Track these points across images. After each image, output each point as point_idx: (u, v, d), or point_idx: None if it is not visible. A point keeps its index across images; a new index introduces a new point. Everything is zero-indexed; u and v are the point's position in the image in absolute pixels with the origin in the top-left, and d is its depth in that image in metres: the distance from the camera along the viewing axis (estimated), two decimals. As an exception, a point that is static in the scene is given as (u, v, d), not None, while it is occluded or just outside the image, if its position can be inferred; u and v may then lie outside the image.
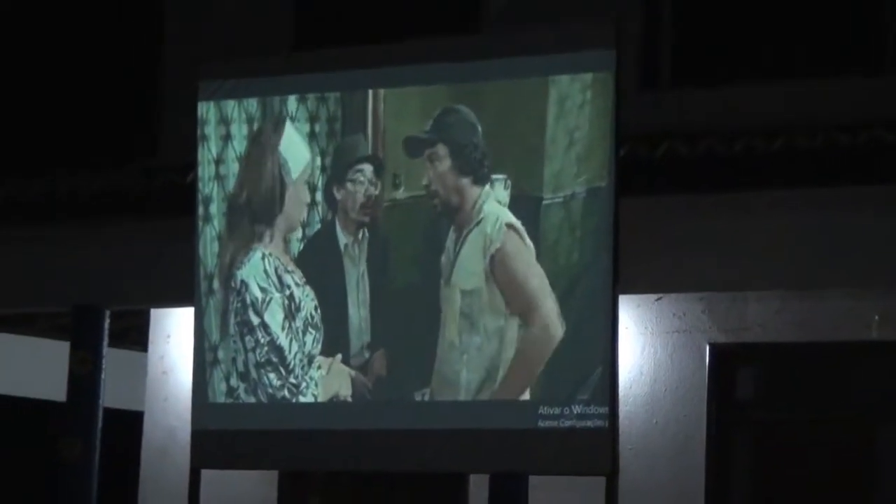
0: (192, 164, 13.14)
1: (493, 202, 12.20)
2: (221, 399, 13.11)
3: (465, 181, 12.30)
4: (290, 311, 12.84)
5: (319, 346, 12.78)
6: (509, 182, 12.18)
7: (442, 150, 12.35)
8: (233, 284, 13.06)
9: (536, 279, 12.03)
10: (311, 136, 12.86)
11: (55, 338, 15.05)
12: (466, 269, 12.27)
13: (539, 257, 12.04)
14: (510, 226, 12.14)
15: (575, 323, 11.84)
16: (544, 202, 12.07)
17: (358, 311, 12.61)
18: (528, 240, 12.08)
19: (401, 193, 12.54)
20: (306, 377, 12.79)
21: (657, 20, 13.81)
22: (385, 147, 12.62)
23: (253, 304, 12.98)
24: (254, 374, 12.99)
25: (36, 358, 16.40)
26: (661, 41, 13.82)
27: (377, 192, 12.59)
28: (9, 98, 16.09)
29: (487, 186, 12.22)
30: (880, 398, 13.79)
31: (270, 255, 12.89)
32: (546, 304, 11.99)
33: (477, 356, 12.20)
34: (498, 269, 12.16)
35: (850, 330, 13.44)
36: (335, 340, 12.75)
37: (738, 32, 13.90)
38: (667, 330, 13.99)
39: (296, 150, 12.87)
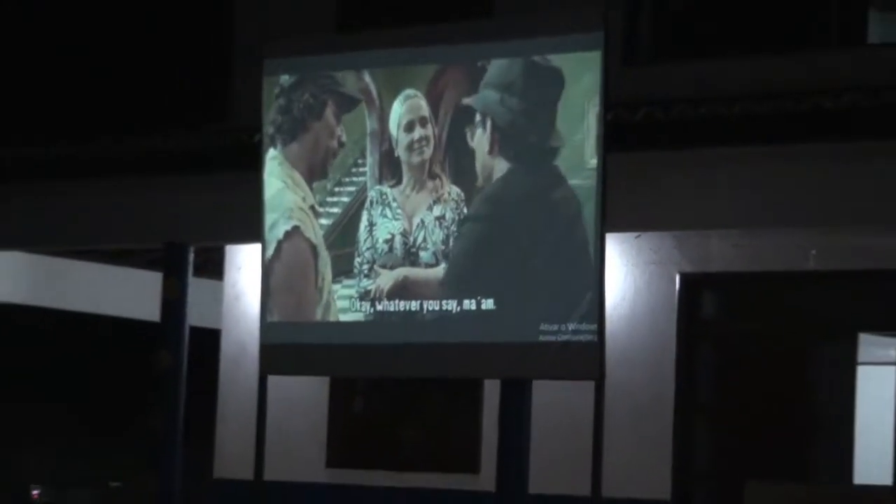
0: (258, 127, 12.75)
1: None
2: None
3: None
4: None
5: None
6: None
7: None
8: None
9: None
10: (352, 103, 12.42)
11: (150, 269, 14.86)
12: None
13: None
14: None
15: (572, 256, 11.51)
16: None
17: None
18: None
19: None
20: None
21: (638, 8, 13.47)
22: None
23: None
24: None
25: (135, 285, 16.30)
26: (641, 26, 13.48)
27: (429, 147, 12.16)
28: (109, 71, 15.81)
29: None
30: (814, 316, 13.75)
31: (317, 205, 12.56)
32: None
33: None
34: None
35: (792, 261, 13.26)
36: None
37: (704, 19, 13.64)
38: (644, 262, 13.75)
39: (347, 114, 12.43)
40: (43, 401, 20.44)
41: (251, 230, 12.77)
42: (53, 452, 20.47)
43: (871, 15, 13.26)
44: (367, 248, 12.25)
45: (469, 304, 11.88)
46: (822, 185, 11.73)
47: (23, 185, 14.37)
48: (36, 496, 17.36)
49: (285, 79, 12.56)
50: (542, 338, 11.58)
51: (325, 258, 12.43)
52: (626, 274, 13.71)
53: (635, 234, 13.19)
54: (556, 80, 11.55)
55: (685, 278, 13.72)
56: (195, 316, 14.13)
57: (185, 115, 14.88)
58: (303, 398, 14.75)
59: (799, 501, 11.42)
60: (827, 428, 13.55)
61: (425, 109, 12.05)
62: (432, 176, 11.99)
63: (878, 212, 11.73)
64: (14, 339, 18.00)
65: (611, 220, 11.41)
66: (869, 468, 13.25)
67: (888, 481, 12.78)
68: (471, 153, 11.86)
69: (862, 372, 13.55)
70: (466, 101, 11.87)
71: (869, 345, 13.68)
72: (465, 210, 11.88)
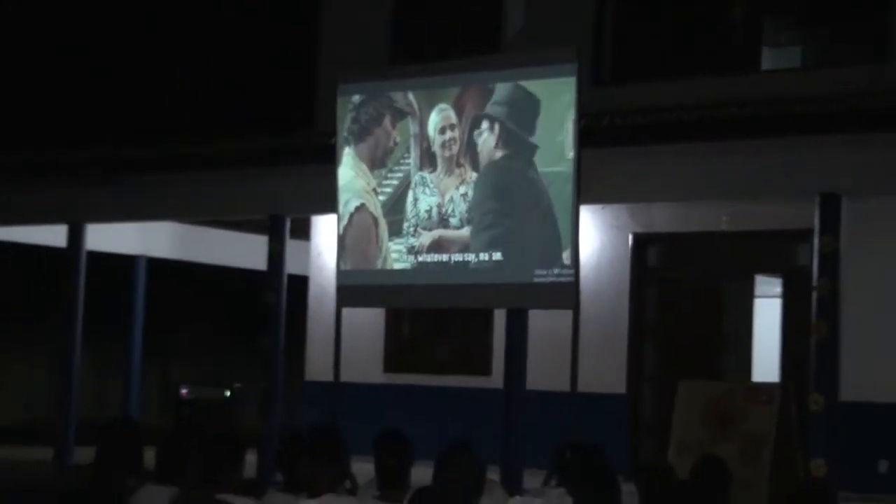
0: (334, 132, 12.66)
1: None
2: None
3: None
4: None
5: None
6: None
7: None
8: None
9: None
10: (402, 115, 12.27)
11: (260, 234, 14.66)
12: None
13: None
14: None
15: (556, 222, 11.44)
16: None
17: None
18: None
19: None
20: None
21: (601, 45, 13.47)
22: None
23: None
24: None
25: (250, 245, 16.00)
26: (604, 58, 13.47)
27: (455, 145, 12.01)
28: (232, 92, 15.78)
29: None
30: (725, 263, 13.76)
31: (377, 187, 12.42)
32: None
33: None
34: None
35: (710, 224, 13.21)
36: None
37: (649, 53, 13.65)
38: (608, 226, 13.77)
39: (399, 122, 12.29)
40: (189, 326, 20.55)
41: (330, 205, 12.68)
42: (196, 363, 20.60)
43: (763, 50, 13.36)
44: (413, 216, 12.18)
45: (484, 256, 11.82)
46: (731, 170, 11.63)
47: (174, 175, 14.26)
48: (184, 394, 17.39)
49: (356, 98, 12.48)
50: (535, 279, 11.52)
51: (382, 224, 12.35)
52: (595, 234, 13.70)
53: (601, 205, 13.15)
54: (535, 101, 11.49)
55: (636, 237, 13.74)
56: (291, 267, 13.97)
57: (284, 123, 14.88)
58: (366, 324, 14.76)
59: (715, 394, 11.38)
60: (734, 342, 13.60)
61: (454, 118, 11.97)
62: (458, 165, 11.95)
63: (769, 189, 11.70)
64: (168, 283, 18.02)
65: (584, 195, 11.36)
66: (762, 370, 13.37)
67: (775, 379, 12.86)
68: (483, 148, 11.80)
69: (757, 303, 13.66)
70: (486, 107, 11.78)
71: (762, 283, 13.75)
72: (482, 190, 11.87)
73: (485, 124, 11.78)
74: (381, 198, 12.38)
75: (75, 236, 14.89)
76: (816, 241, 11.01)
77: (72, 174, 14.81)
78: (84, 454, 12.98)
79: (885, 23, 12.36)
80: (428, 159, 12.12)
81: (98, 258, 15.43)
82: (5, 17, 16.96)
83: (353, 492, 7.03)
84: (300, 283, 15.47)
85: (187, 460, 6.69)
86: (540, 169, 11.47)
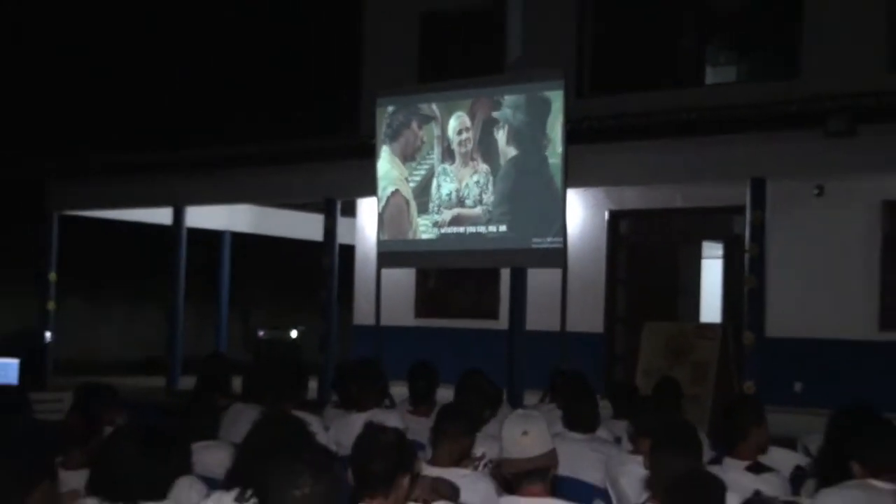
0: (374, 135, 12.62)
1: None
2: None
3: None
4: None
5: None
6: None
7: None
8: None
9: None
10: (427, 120, 12.20)
11: (316, 212, 14.66)
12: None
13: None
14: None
15: (548, 202, 11.38)
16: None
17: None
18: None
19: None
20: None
21: (582, 66, 13.41)
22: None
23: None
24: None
25: (310, 222, 15.94)
26: (584, 75, 13.40)
27: (470, 143, 11.94)
28: (294, 105, 15.73)
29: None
30: (679, 231, 13.62)
31: (408, 176, 12.32)
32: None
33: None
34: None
35: (669, 202, 13.16)
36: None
37: (620, 71, 13.52)
38: (589, 204, 13.70)
39: (425, 126, 12.21)
40: (264, 284, 20.65)
41: (372, 191, 12.65)
42: (270, 311, 20.73)
43: (707, 69, 13.31)
44: (436, 198, 12.16)
45: (492, 228, 11.81)
46: (683, 160, 11.57)
47: (252, 168, 14.29)
48: (261, 335, 17.47)
49: (390, 108, 12.47)
50: (533, 245, 11.51)
51: (413, 205, 12.33)
52: (578, 211, 13.65)
53: (584, 189, 13.09)
54: (547, 105, 11.40)
55: (611, 213, 13.71)
56: (342, 238, 13.98)
57: (335, 127, 14.83)
58: (401, 280, 14.73)
59: (671, 332, 11.32)
60: (687, 293, 13.56)
61: (468, 122, 11.93)
62: (472, 159, 11.92)
63: (712, 175, 11.64)
64: (248, 251, 18.12)
65: (570, 181, 11.33)
66: (708, 313, 13.40)
67: (717, 320, 12.88)
68: (493, 146, 11.73)
69: (704, 262, 13.64)
70: (494, 114, 11.67)
71: (707, 247, 13.73)
72: (490, 178, 11.76)
73: (495, 126, 11.77)
74: (412, 184, 12.37)
75: (178, 216, 15.06)
76: (748, 214, 11.05)
77: (175, 169, 14.95)
78: (187, 382, 13.11)
79: (796, 50, 12.47)
80: (448, 154, 12.10)
81: (195, 233, 15.57)
82: (132, 43, 17.02)
83: (391, 408, 7.13)
84: (349, 251, 15.47)
85: (265, 385, 6.79)
86: (538, 160, 11.47)
